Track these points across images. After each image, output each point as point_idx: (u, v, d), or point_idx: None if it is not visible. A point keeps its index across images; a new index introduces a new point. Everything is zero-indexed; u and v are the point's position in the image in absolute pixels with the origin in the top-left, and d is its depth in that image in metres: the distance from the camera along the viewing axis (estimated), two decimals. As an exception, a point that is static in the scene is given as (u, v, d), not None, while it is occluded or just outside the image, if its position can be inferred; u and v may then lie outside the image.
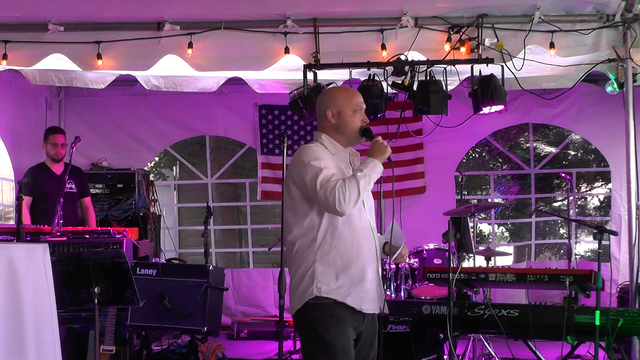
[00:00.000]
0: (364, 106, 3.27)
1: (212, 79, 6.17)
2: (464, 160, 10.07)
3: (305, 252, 3.07)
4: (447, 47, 5.28)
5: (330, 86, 4.76)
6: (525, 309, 4.56)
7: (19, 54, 5.42)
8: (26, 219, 5.67)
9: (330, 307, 3.03)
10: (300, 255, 3.08)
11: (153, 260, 5.47)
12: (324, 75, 5.60)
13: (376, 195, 7.52)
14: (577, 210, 8.75)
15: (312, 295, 3.02)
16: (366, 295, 3.08)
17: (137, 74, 5.98)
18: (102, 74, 5.92)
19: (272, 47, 5.38)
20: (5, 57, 5.36)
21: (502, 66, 5.33)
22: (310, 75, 5.47)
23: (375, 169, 3.07)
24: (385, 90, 5.52)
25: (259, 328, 7.21)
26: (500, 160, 12.25)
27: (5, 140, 6.85)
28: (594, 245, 7.21)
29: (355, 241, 3.07)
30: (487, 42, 5.25)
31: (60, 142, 5.95)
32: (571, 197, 7.42)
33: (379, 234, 3.28)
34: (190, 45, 5.29)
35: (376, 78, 5.51)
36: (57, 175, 5.94)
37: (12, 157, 6.96)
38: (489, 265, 5.87)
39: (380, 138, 3.17)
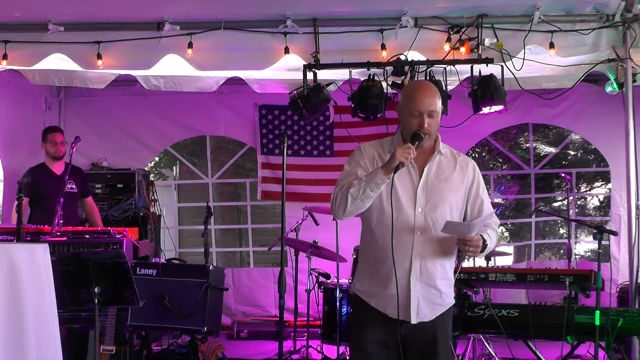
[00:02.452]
0: (426, 110, 2.98)
1: (212, 79, 6.17)
2: (464, 160, 10.04)
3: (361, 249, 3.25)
4: (446, 47, 5.29)
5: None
6: (525, 309, 4.56)
7: (19, 54, 5.43)
8: (13, 219, 5.65)
9: (361, 305, 3.11)
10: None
11: (153, 260, 5.47)
12: (323, 75, 5.61)
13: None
14: (577, 210, 8.74)
15: (353, 290, 3.19)
16: (391, 300, 2.98)
17: (137, 73, 5.99)
18: (102, 74, 5.92)
19: (272, 47, 5.38)
20: (5, 57, 5.37)
21: (502, 66, 5.33)
22: (310, 75, 5.48)
23: (374, 179, 2.91)
24: (385, 90, 5.52)
25: (259, 328, 7.22)
26: (500, 160, 12.25)
27: (-1, 140, 6.87)
28: (594, 245, 7.22)
29: (387, 242, 2.97)
30: (487, 42, 5.25)
31: (59, 140, 5.96)
32: (571, 197, 7.42)
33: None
34: (190, 45, 5.30)
35: (376, 78, 5.51)
36: (57, 175, 5.94)
37: (4, 157, 6.96)
38: (489, 265, 5.87)
39: (402, 147, 2.91)
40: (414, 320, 2.99)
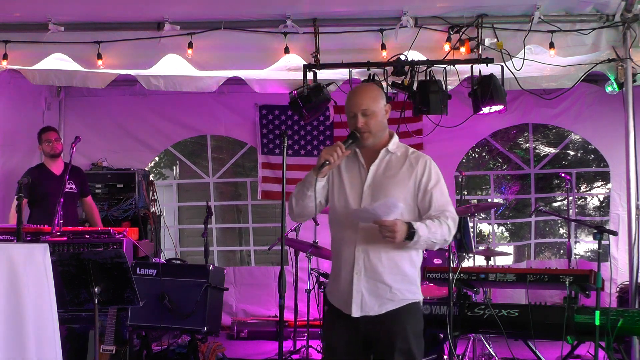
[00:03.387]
0: (357, 110, 3.09)
1: (212, 79, 6.17)
2: (464, 160, 10.07)
3: None
4: (447, 47, 5.28)
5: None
6: (525, 309, 4.56)
7: (19, 54, 5.43)
8: (12, 219, 5.66)
9: (328, 304, 3.23)
10: None
11: (153, 260, 5.47)
12: (324, 75, 5.61)
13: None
14: (576, 210, 8.74)
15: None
16: (342, 296, 3.09)
17: (137, 73, 5.99)
18: (102, 74, 5.92)
19: (272, 47, 5.38)
20: (5, 57, 5.36)
21: (502, 66, 5.33)
22: (310, 75, 5.48)
23: (307, 178, 3.08)
24: (385, 90, 5.51)
25: (259, 328, 7.22)
26: (500, 160, 12.25)
27: (-4, 140, 6.87)
28: (594, 245, 7.22)
29: (337, 238, 3.15)
30: (487, 42, 5.25)
31: (53, 137, 5.97)
32: (571, 197, 7.42)
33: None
34: (190, 45, 5.30)
35: (376, 78, 5.51)
36: (57, 175, 5.94)
37: (0, 156, 6.95)
38: (489, 265, 5.87)
39: (329, 146, 3.05)
40: (355, 314, 3.04)
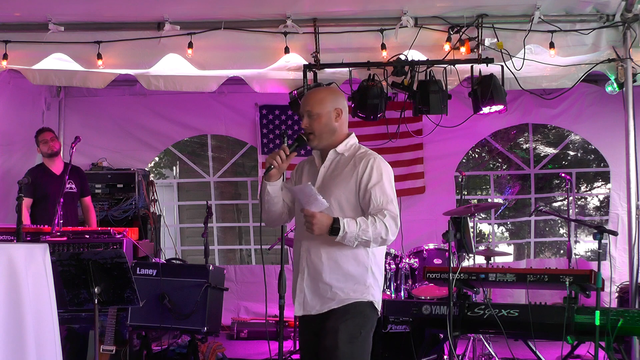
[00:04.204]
0: (303, 111, 3.14)
1: (212, 79, 6.16)
2: (464, 160, 10.06)
3: None
4: (447, 47, 5.29)
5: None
6: (525, 309, 4.56)
7: (20, 53, 5.43)
8: (26, 220, 5.68)
9: None
10: None
11: (153, 260, 5.47)
12: (324, 75, 5.61)
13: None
14: (576, 210, 8.74)
15: None
16: (294, 296, 3.15)
17: (137, 73, 5.99)
18: (102, 74, 5.92)
19: (272, 46, 5.39)
20: (5, 57, 5.37)
21: (502, 66, 5.34)
22: (310, 75, 5.48)
23: (262, 183, 3.15)
24: (385, 90, 5.52)
25: (259, 328, 7.21)
26: (500, 160, 12.24)
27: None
28: (594, 245, 7.21)
29: (295, 240, 3.20)
30: (487, 42, 5.25)
31: (49, 137, 5.99)
32: (571, 197, 7.42)
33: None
34: (190, 45, 5.30)
35: (376, 78, 5.51)
36: (57, 175, 5.95)
37: (-1, 156, 6.96)
38: (489, 265, 5.87)
39: (273, 152, 3.08)
40: (297, 312, 3.10)
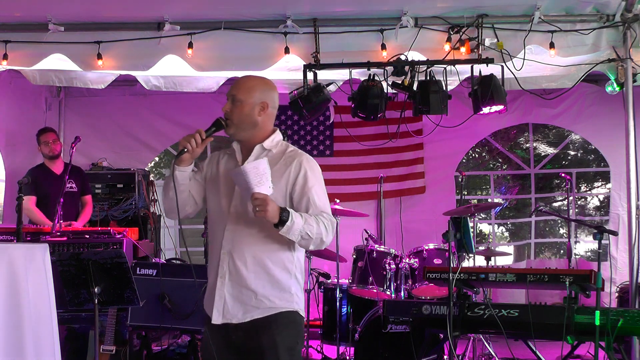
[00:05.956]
0: (229, 93, 2.93)
1: (212, 79, 6.16)
2: (464, 160, 10.07)
3: None
4: (447, 47, 5.28)
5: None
6: (525, 309, 4.55)
7: (19, 54, 5.43)
8: (40, 216, 5.68)
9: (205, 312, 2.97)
10: None
11: (153, 260, 5.47)
12: (324, 75, 5.60)
13: (375, 195, 7.59)
14: (576, 210, 8.75)
15: None
16: (209, 301, 2.89)
17: (137, 74, 5.98)
18: (102, 74, 5.92)
19: (272, 47, 5.38)
20: (5, 57, 5.36)
21: (502, 66, 5.33)
22: (310, 75, 5.47)
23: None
24: (385, 90, 5.52)
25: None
26: (500, 160, 12.25)
27: (-1, 140, 6.87)
28: (594, 245, 7.21)
29: (210, 241, 2.95)
30: (487, 42, 5.25)
31: (51, 139, 5.98)
32: (571, 197, 7.42)
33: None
34: (190, 45, 5.30)
35: (376, 78, 5.51)
36: (57, 175, 5.95)
37: (5, 157, 6.96)
38: (489, 265, 5.87)
39: (188, 134, 2.83)
40: (215, 320, 2.82)
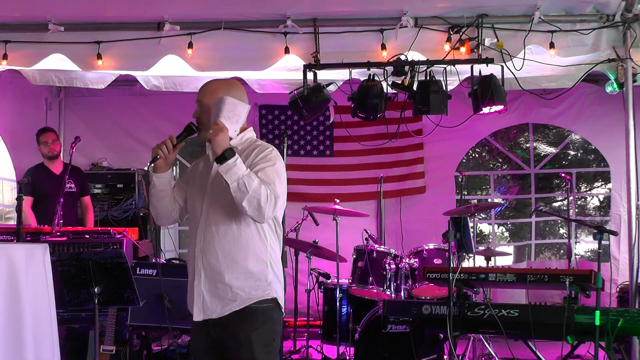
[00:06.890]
0: (196, 101, 3.04)
1: (212, 79, 6.15)
2: (464, 160, 10.06)
3: None
4: (447, 47, 5.29)
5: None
6: (525, 309, 4.55)
7: (19, 54, 5.43)
8: (31, 218, 5.69)
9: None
10: None
11: (153, 260, 5.47)
12: (323, 75, 5.60)
13: (375, 195, 7.59)
14: (577, 210, 8.74)
15: None
16: (189, 299, 2.97)
17: (137, 74, 5.98)
18: (102, 74, 5.92)
19: (272, 47, 5.38)
20: (5, 57, 5.37)
21: (502, 66, 5.33)
22: (310, 75, 5.47)
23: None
24: (385, 90, 5.52)
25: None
26: (500, 160, 12.25)
27: (5, 141, 6.87)
28: (594, 245, 7.22)
29: (189, 241, 3.01)
30: (487, 42, 5.25)
31: (50, 139, 5.98)
32: (571, 197, 7.42)
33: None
34: (190, 46, 5.30)
35: (376, 78, 5.51)
36: (57, 175, 5.95)
37: (13, 157, 6.97)
38: (489, 265, 5.87)
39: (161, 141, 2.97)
40: (196, 317, 2.91)
